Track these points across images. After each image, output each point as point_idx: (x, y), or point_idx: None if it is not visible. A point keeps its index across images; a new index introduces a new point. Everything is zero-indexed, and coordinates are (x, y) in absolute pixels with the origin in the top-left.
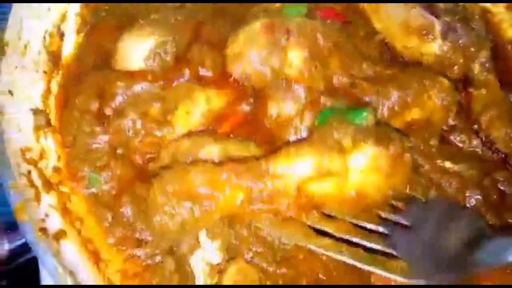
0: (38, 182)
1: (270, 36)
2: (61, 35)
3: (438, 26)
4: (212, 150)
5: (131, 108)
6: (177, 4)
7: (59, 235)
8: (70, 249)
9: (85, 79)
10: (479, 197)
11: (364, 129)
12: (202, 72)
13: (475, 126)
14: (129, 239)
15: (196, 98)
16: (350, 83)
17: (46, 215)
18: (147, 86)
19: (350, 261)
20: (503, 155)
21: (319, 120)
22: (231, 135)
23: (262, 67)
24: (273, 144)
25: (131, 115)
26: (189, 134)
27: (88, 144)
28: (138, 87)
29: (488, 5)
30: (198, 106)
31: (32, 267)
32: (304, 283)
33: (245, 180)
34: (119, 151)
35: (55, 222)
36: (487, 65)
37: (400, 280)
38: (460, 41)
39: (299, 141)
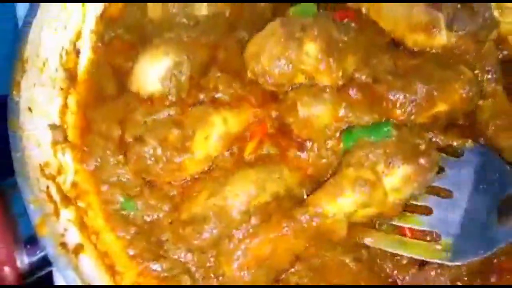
0: (56, 197)
1: (285, 31)
2: (77, 52)
3: (442, 19)
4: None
5: (150, 135)
6: (191, 22)
7: (78, 249)
8: (88, 263)
9: (106, 105)
10: None
11: (390, 145)
12: (218, 95)
13: (482, 139)
14: (149, 252)
15: (212, 122)
16: (373, 79)
17: (65, 230)
18: (166, 111)
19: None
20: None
21: (346, 143)
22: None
23: (279, 61)
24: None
25: (151, 142)
26: (209, 161)
27: (116, 174)
28: (157, 114)
29: (496, 15)
30: (216, 130)
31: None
32: None
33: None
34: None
35: (73, 237)
36: (495, 75)
37: (447, 263)
38: (467, 28)
39: (334, 174)
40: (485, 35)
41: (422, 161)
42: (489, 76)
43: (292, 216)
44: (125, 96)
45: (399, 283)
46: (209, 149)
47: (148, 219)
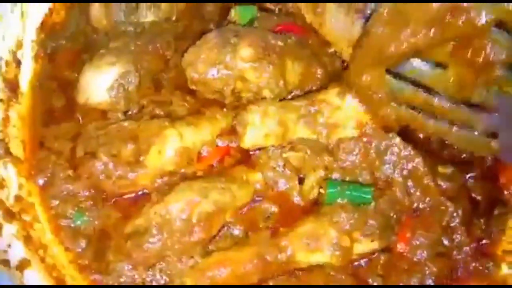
0: None
1: (220, 37)
2: (18, 62)
3: None
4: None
5: (103, 150)
6: (138, 30)
7: (23, 264)
8: (34, 277)
9: (56, 120)
10: None
11: (369, 215)
12: (173, 108)
13: None
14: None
15: (167, 136)
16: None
17: (9, 246)
18: (119, 125)
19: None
20: None
21: (328, 198)
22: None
23: (214, 67)
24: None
25: (103, 158)
26: (162, 175)
27: (67, 189)
28: (110, 127)
29: None
30: (170, 144)
31: None
32: None
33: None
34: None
35: (18, 252)
36: None
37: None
38: None
39: (310, 216)
40: None
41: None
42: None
43: (264, 254)
44: (75, 110)
45: None
46: (163, 163)
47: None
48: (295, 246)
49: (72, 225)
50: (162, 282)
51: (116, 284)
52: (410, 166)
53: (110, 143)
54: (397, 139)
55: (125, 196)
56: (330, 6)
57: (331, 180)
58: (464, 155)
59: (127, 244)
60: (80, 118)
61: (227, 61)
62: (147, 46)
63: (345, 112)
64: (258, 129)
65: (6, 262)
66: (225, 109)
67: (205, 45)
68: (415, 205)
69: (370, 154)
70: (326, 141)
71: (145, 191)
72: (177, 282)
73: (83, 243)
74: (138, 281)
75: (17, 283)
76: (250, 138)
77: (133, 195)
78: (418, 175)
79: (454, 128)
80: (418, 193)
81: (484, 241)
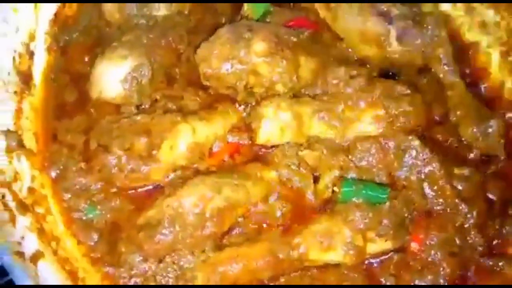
0: (12, 204)
1: (233, 32)
2: (31, 54)
3: (393, 32)
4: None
5: (115, 143)
6: (150, 23)
7: (37, 256)
8: (48, 269)
9: (69, 114)
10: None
11: (384, 214)
12: (185, 102)
13: None
14: (110, 256)
15: (180, 131)
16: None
17: (22, 238)
18: (132, 119)
19: None
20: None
21: (344, 196)
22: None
23: (228, 61)
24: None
25: (116, 151)
26: (175, 169)
27: (79, 182)
28: (123, 121)
29: (447, 9)
30: (183, 139)
31: None
32: None
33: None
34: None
35: (31, 244)
36: (451, 67)
37: None
38: (416, 42)
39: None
40: (433, 50)
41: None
42: (446, 68)
43: (277, 251)
44: (88, 104)
45: None
46: (175, 158)
47: (110, 222)
48: (308, 244)
49: (84, 218)
50: (173, 275)
51: (128, 276)
52: (427, 169)
53: (123, 137)
54: (417, 142)
55: (139, 190)
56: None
57: (346, 179)
58: (481, 154)
59: (139, 235)
60: (93, 112)
61: (241, 56)
62: (160, 39)
63: (361, 106)
64: (273, 122)
65: (20, 254)
66: (237, 105)
67: (218, 40)
68: (430, 206)
69: (388, 155)
70: (342, 137)
71: (159, 184)
72: (188, 275)
73: (95, 236)
74: (149, 274)
75: (32, 275)
76: (265, 132)
77: (146, 188)
78: (435, 177)
79: None
80: (433, 195)
81: (496, 241)
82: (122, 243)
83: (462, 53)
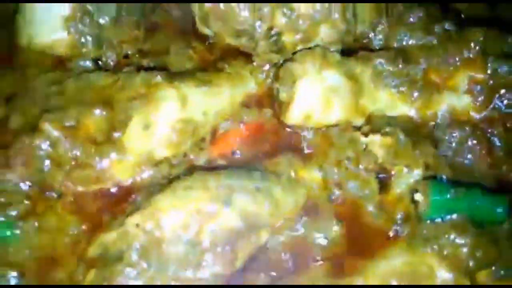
0: None
1: None
2: None
3: None
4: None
5: (51, 118)
6: None
7: None
8: None
9: None
10: None
11: (505, 246)
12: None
13: None
14: None
15: (159, 100)
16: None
17: None
18: (83, 79)
19: None
20: None
21: (432, 210)
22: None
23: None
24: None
25: (50, 131)
26: (150, 164)
27: None
28: (68, 82)
29: None
30: (165, 114)
31: None
32: None
33: None
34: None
35: None
36: None
37: None
38: None
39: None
40: None
41: None
42: None
43: None
44: (15, 56)
45: None
46: (152, 145)
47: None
48: None
49: None
50: None
51: None
52: None
53: (65, 108)
54: None
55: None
56: None
57: (436, 181)
58: None
59: (89, 275)
60: (22, 68)
61: None
62: None
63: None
64: (313, 88)
65: None
66: (255, 63)
67: None
68: None
69: (495, 147)
70: (424, 116)
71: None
72: None
73: (11, 276)
74: None
75: None
76: (301, 105)
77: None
78: None
79: None
80: None
81: None
82: None
83: None
